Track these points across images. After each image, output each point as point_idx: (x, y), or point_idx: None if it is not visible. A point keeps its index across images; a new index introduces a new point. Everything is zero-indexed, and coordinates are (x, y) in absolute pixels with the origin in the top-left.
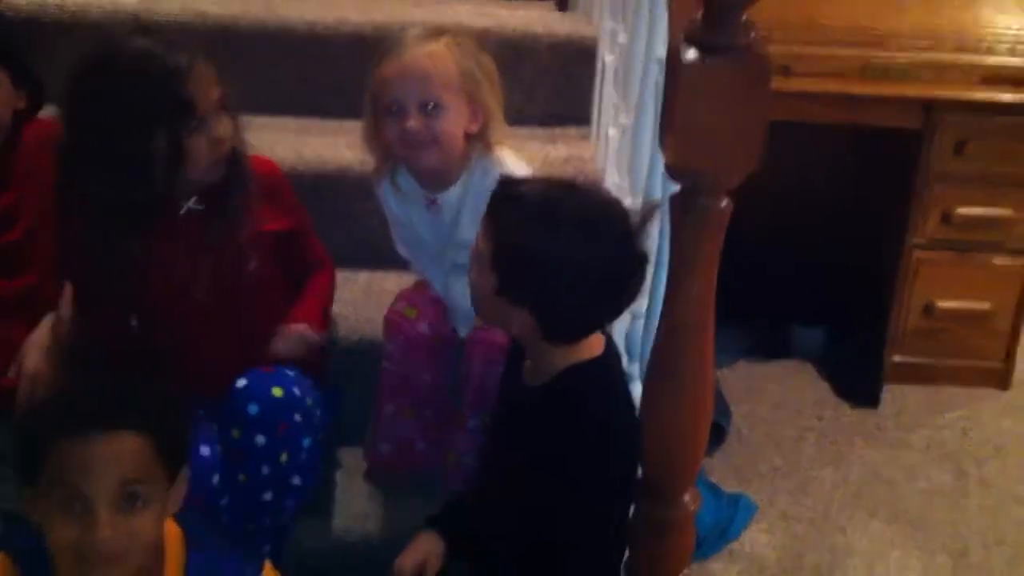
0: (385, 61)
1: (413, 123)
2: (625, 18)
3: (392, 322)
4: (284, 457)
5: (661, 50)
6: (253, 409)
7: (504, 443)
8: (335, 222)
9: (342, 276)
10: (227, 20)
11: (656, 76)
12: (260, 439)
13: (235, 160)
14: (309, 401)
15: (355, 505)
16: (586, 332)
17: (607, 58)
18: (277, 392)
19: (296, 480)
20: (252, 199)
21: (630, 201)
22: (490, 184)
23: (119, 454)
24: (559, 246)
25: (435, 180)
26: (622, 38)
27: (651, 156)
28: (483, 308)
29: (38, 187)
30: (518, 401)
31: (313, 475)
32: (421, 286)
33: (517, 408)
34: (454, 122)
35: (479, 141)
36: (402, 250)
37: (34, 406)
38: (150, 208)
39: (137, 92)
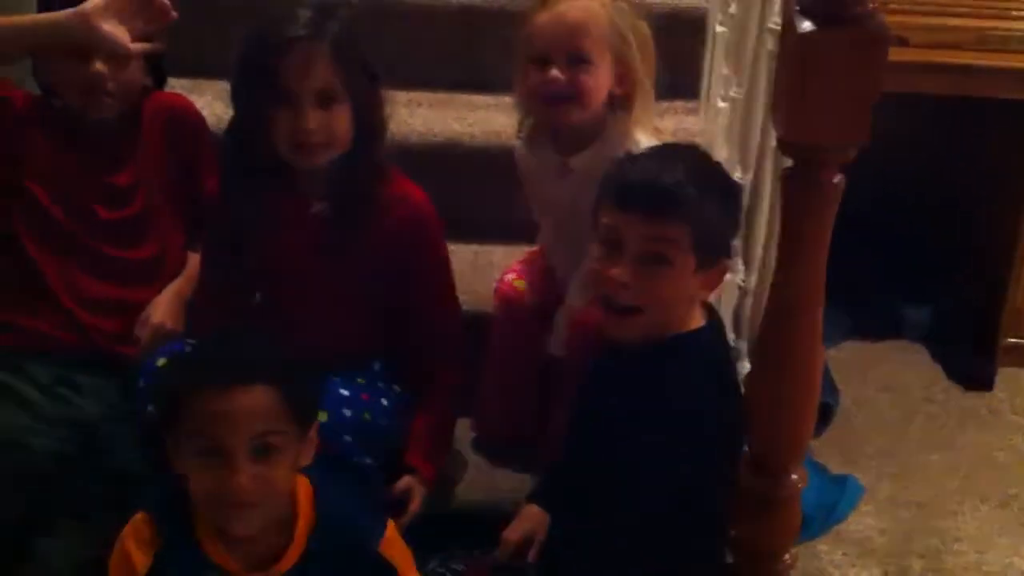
0: (539, 10)
1: (556, 73)
2: None
3: (502, 293)
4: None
5: (775, 20)
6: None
7: (596, 411)
8: (443, 195)
9: (448, 248)
10: None
11: (769, 47)
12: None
13: (354, 165)
14: (366, 415)
15: (460, 474)
16: None
17: (718, 29)
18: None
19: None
20: (380, 216)
21: (740, 175)
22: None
23: (255, 406)
24: (730, 190)
25: (570, 139)
26: (734, 8)
27: (762, 130)
28: (675, 300)
29: (154, 161)
30: (614, 366)
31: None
32: (531, 258)
33: (612, 372)
34: (599, 79)
35: (621, 108)
36: (535, 213)
37: (175, 359)
38: (266, 168)
39: (241, 55)
